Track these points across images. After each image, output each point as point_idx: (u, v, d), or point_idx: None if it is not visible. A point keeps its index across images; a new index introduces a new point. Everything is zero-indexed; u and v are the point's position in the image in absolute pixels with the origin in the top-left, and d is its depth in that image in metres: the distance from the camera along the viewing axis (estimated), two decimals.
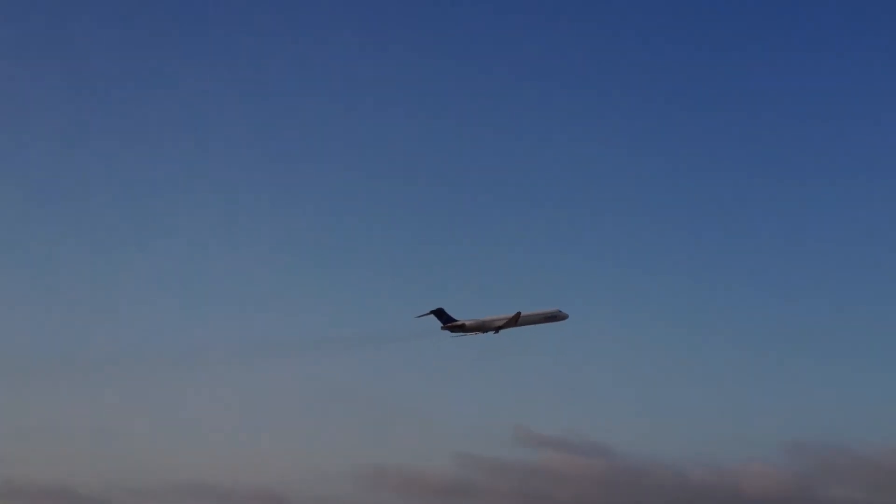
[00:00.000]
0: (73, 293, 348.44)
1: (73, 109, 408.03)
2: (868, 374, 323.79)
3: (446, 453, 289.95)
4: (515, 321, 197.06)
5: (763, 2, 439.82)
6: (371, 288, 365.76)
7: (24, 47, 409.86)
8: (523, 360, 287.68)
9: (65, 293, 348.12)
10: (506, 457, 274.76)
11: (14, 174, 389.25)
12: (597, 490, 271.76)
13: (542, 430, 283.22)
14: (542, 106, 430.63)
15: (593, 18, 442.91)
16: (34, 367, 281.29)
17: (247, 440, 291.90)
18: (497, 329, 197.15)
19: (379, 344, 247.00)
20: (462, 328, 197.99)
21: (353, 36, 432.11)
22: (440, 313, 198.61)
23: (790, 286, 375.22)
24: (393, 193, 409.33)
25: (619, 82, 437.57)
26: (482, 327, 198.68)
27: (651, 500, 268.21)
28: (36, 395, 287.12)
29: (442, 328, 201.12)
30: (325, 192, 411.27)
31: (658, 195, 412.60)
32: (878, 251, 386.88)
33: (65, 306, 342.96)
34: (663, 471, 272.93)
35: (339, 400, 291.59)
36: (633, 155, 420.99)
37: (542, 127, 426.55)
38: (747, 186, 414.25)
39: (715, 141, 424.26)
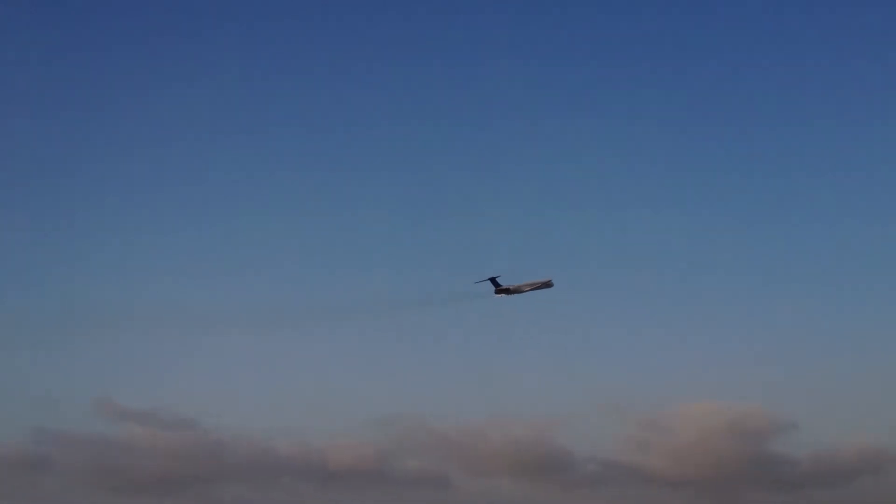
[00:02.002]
0: None
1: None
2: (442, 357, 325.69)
3: (21, 427, 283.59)
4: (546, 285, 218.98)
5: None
6: None
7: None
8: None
9: None
10: (84, 430, 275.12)
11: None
12: (179, 463, 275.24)
13: (127, 404, 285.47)
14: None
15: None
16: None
17: None
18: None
19: None
20: (508, 291, 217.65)
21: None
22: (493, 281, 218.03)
23: None
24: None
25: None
26: (518, 290, 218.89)
27: (235, 472, 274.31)
28: None
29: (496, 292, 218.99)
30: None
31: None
32: None
33: None
34: (251, 445, 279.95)
35: None
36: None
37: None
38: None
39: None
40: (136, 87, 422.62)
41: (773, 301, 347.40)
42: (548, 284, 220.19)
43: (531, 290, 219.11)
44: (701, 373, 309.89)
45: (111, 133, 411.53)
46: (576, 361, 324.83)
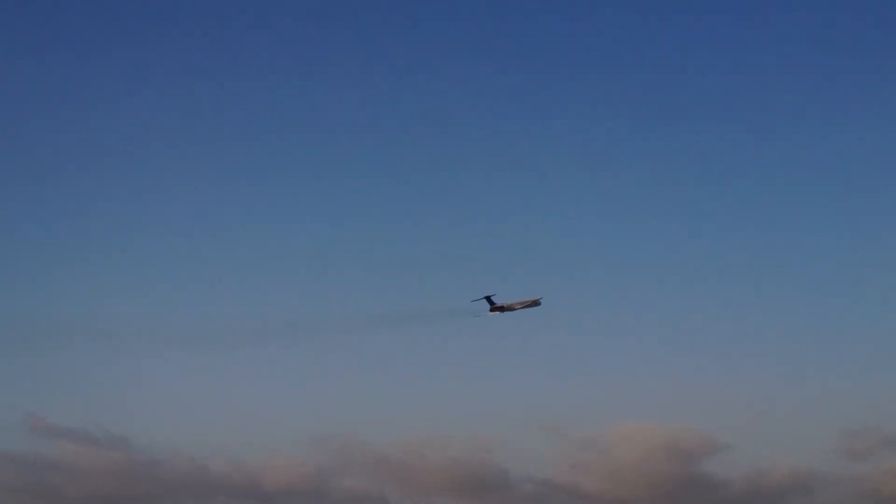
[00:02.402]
0: None
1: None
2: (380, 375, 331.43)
3: None
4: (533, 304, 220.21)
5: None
6: None
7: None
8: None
9: None
10: (16, 449, 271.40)
11: None
12: (111, 482, 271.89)
13: (58, 422, 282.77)
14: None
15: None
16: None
17: None
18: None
19: None
20: (501, 309, 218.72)
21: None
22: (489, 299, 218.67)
23: None
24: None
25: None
26: (511, 308, 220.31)
27: (168, 491, 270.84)
28: None
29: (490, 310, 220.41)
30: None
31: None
32: None
33: None
34: (184, 463, 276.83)
35: None
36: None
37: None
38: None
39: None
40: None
41: (710, 323, 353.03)
42: (537, 303, 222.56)
43: (522, 307, 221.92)
44: (639, 393, 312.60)
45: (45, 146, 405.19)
46: (515, 380, 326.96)
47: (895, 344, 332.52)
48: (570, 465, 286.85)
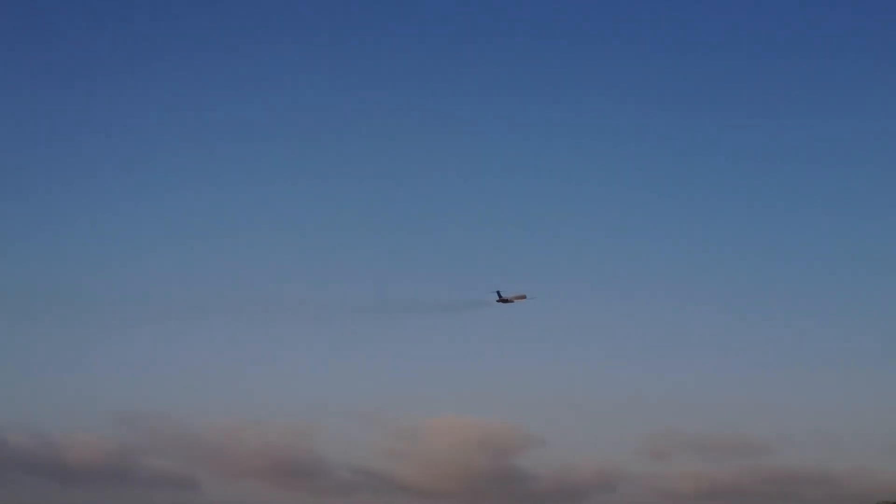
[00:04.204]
0: None
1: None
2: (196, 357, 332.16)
3: None
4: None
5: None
6: None
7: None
8: None
9: None
10: None
11: None
12: None
13: None
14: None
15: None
16: None
17: None
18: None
19: None
20: (506, 301, 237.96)
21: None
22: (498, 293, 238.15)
23: None
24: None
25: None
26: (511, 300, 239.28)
27: None
28: None
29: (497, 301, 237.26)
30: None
31: None
32: None
33: None
34: None
35: None
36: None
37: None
38: None
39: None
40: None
41: (533, 323, 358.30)
42: (523, 297, 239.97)
43: (518, 300, 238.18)
44: (460, 387, 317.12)
45: None
46: (336, 369, 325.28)
47: (701, 350, 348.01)
48: (387, 454, 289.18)
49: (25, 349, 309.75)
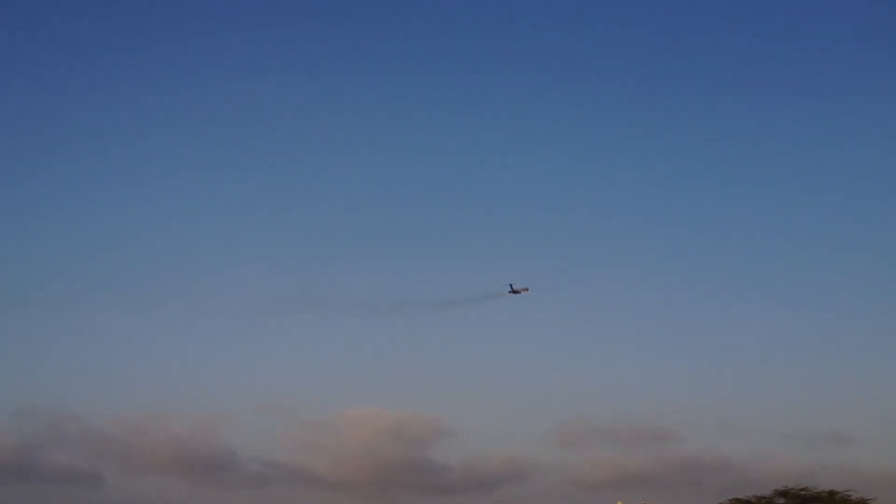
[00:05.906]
0: None
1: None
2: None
3: None
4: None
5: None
6: None
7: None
8: None
9: None
10: None
11: None
12: None
13: None
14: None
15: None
16: None
17: None
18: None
19: None
20: (516, 292, 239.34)
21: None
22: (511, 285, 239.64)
23: None
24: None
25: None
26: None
27: None
28: None
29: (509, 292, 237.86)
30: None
31: None
32: None
33: None
34: None
35: None
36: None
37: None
38: None
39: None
40: None
41: (442, 316, 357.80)
42: (526, 290, 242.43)
43: (524, 292, 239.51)
44: (371, 379, 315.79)
45: None
46: (247, 362, 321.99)
47: (608, 340, 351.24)
48: (299, 447, 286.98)
49: None
